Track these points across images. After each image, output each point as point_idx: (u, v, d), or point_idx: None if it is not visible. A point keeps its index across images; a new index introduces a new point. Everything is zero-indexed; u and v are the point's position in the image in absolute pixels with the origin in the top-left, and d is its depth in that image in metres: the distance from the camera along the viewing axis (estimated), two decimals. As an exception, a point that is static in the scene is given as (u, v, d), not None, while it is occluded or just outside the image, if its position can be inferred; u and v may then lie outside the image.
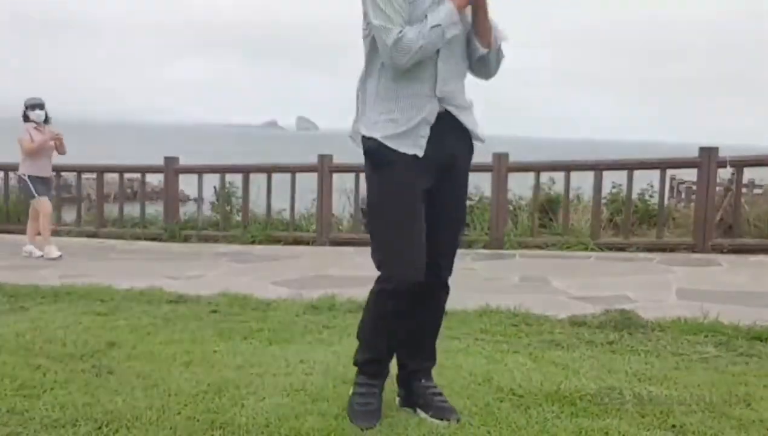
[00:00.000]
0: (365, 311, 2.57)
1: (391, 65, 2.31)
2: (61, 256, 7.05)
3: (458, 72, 2.45)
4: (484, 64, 2.47)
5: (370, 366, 2.53)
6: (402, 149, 2.35)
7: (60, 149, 7.45)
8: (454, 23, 2.29)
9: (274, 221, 8.50)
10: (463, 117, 2.44)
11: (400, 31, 2.26)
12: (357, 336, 2.60)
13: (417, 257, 2.39)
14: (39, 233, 7.35)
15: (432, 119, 2.37)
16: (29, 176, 7.23)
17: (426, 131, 2.36)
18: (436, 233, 2.45)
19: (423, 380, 2.56)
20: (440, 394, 2.55)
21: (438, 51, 2.33)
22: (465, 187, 2.59)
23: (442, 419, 2.44)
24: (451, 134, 2.42)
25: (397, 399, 2.63)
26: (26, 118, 7.34)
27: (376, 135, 2.38)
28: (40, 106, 7.31)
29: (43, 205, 7.26)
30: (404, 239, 2.38)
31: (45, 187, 7.34)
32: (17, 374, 2.96)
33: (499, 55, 2.48)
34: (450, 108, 2.41)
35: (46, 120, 7.40)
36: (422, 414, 2.50)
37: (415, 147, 2.36)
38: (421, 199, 2.40)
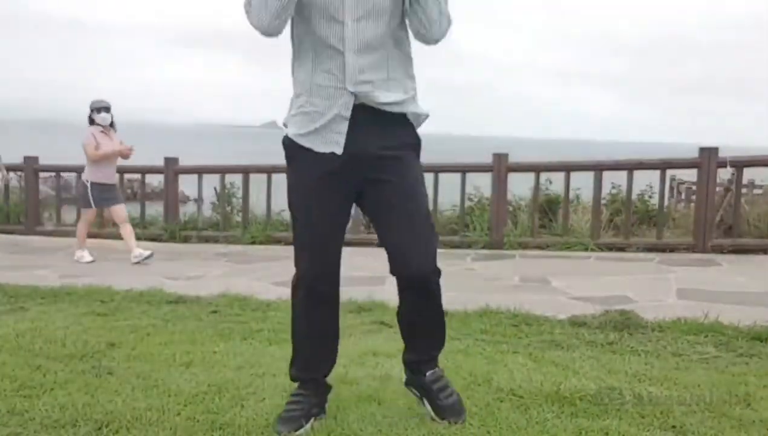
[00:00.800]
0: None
1: (257, 29, 2.17)
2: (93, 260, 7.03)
3: (380, 61, 2.24)
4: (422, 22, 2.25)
5: (295, 372, 2.51)
6: (316, 148, 2.26)
7: (126, 157, 7.30)
8: None
9: (274, 221, 8.50)
10: (387, 108, 2.26)
11: None
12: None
13: (318, 257, 2.44)
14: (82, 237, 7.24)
15: (347, 114, 2.22)
16: (91, 183, 6.99)
17: (342, 127, 2.23)
18: (389, 230, 2.37)
19: (427, 374, 2.47)
20: (445, 387, 2.47)
21: (343, 40, 2.16)
22: (412, 178, 2.34)
23: (443, 420, 2.42)
24: (373, 128, 2.25)
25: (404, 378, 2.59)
26: (92, 121, 7.09)
27: (289, 131, 2.31)
28: (106, 108, 7.07)
29: (116, 212, 7.15)
30: (306, 239, 2.43)
31: (110, 193, 7.10)
32: (17, 374, 2.96)
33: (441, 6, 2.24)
34: (368, 101, 2.23)
35: (112, 123, 7.20)
36: (428, 408, 2.46)
37: (330, 144, 2.25)
38: (335, 199, 2.34)
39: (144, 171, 9.40)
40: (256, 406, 2.61)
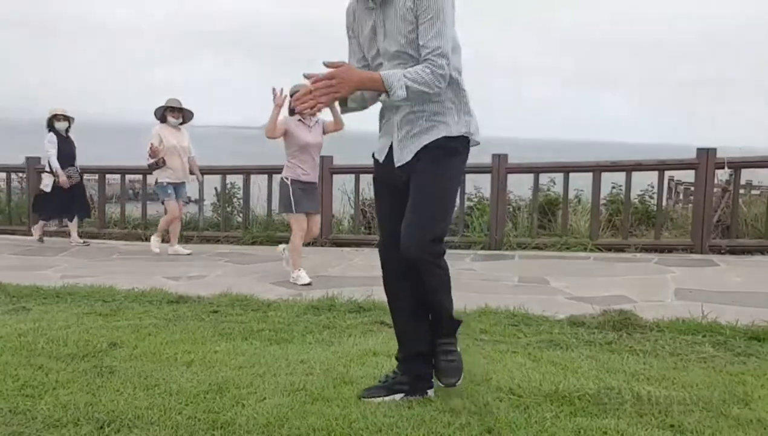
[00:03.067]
0: None
1: None
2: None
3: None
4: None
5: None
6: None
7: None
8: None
9: (274, 221, 8.51)
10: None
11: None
12: None
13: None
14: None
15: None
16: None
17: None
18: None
19: (439, 339, 2.74)
20: (449, 352, 2.70)
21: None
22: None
23: (440, 381, 2.67)
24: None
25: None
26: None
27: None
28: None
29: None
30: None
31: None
32: (19, 373, 2.98)
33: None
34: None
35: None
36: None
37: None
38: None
39: (145, 171, 9.41)
40: (257, 405, 2.62)
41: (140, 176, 9.61)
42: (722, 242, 7.05)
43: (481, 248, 7.42)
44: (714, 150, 7.07)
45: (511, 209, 8.28)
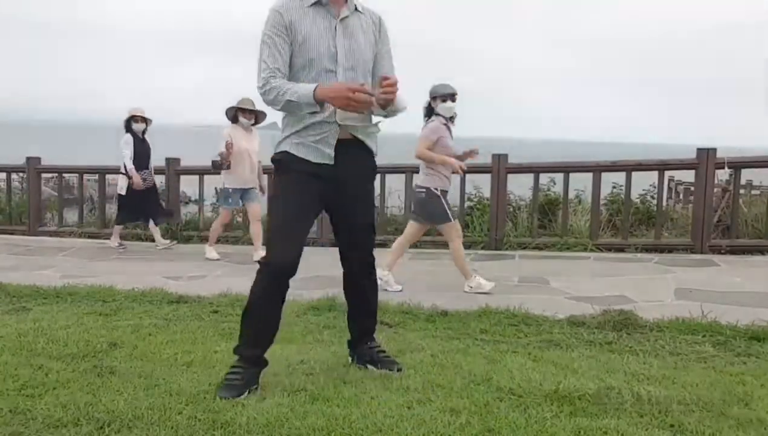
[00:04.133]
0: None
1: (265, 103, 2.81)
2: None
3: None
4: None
5: (241, 351, 2.91)
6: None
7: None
8: (310, 105, 2.69)
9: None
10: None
11: (272, 75, 2.75)
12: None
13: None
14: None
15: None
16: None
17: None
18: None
19: (368, 343, 3.17)
20: (384, 351, 3.18)
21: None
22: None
23: (389, 370, 3.02)
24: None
25: (349, 359, 3.21)
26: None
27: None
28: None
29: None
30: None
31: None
32: (19, 373, 2.98)
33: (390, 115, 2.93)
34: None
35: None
36: (371, 368, 3.08)
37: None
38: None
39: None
40: (257, 405, 2.62)
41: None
42: (722, 242, 7.06)
43: (481, 248, 7.42)
44: (714, 150, 7.07)
45: (511, 209, 8.28)
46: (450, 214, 5.28)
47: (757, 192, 11.43)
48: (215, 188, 7.19)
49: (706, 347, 3.50)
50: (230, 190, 6.90)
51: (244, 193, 6.95)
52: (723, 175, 7.80)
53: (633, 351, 3.45)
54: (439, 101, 5.20)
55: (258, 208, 7.01)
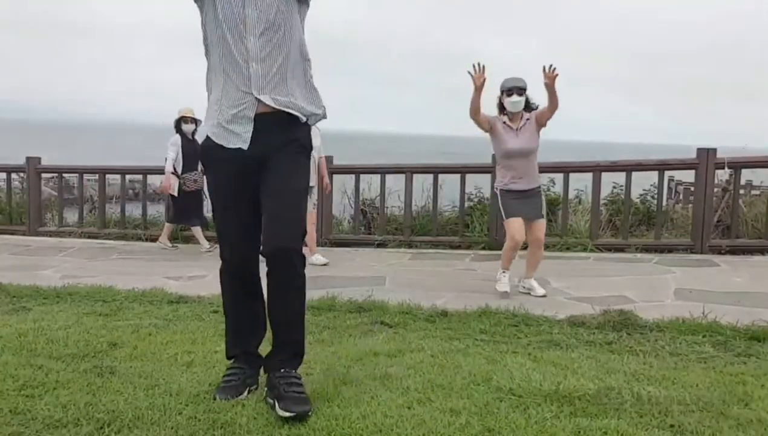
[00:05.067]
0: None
1: None
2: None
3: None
4: None
5: (229, 349, 2.86)
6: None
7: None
8: None
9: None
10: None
11: None
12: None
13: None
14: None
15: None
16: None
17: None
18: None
19: (283, 370, 2.64)
20: (299, 385, 2.58)
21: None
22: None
23: (289, 412, 2.43)
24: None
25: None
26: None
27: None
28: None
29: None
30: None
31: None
32: (19, 373, 2.98)
33: None
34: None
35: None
36: (273, 405, 2.52)
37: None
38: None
39: (146, 172, 9.42)
40: (257, 405, 2.62)
41: (140, 176, 9.62)
42: (722, 242, 7.06)
43: (481, 248, 7.42)
44: (714, 150, 7.08)
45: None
46: (503, 213, 5.07)
47: (757, 192, 11.41)
48: None
49: (706, 347, 3.50)
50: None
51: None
52: (723, 175, 7.80)
53: (633, 351, 3.45)
54: (505, 95, 4.97)
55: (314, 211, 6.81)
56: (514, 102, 4.94)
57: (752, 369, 3.15)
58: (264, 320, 2.83)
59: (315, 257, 6.55)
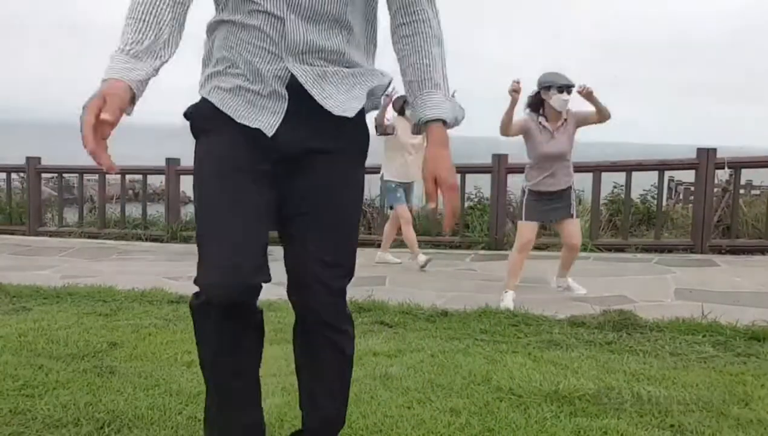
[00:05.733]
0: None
1: None
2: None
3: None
4: None
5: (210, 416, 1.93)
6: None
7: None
8: None
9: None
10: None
11: None
12: None
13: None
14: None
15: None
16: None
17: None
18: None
19: None
20: None
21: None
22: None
23: None
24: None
25: None
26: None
27: None
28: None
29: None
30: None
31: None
32: (19, 373, 2.97)
33: None
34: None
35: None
36: None
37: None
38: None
39: (146, 172, 9.44)
40: (257, 405, 2.62)
41: (140, 176, 9.63)
42: (722, 242, 7.06)
43: (481, 248, 7.42)
44: (714, 150, 7.08)
45: (511, 209, 8.28)
46: (523, 214, 4.80)
47: (757, 192, 11.41)
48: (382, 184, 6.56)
49: (706, 347, 3.50)
50: (393, 184, 6.32)
51: (406, 189, 6.39)
52: (723, 175, 7.80)
53: (633, 351, 3.45)
54: (554, 92, 4.60)
55: (411, 210, 6.53)
56: (565, 100, 4.63)
57: (752, 369, 3.15)
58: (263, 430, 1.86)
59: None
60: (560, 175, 4.72)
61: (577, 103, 4.75)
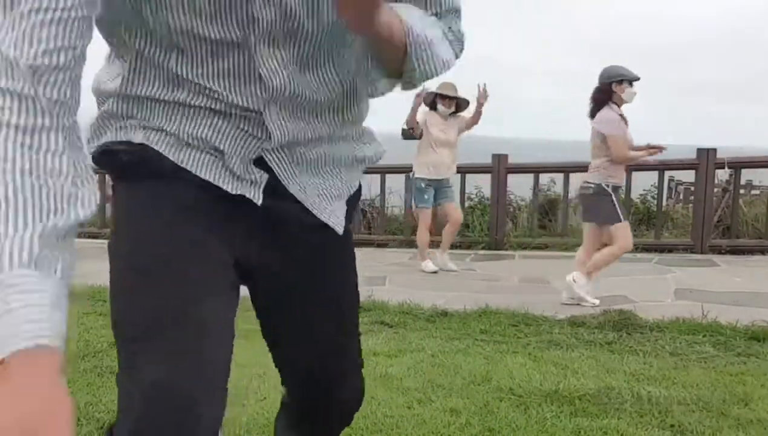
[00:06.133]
0: None
1: None
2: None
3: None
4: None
5: None
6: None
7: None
8: None
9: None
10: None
11: None
12: None
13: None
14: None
15: None
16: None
17: None
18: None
19: None
20: None
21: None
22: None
23: None
24: None
25: None
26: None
27: None
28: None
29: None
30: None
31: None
32: (20, 374, 2.98)
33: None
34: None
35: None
36: None
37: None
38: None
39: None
40: (257, 405, 2.63)
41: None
42: (722, 242, 7.06)
43: (482, 248, 7.42)
44: (714, 150, 7.07)
45: (511, 209, 8.29)
46: (620, 214, 4.59)
47: (757, 192, 11.41)
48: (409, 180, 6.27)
49: (706, 347, 3.50)
50: (423, 184, 6.06)
51: (437, 187, 6.14)
52: (723, 175, 7.80)
53: (633, 351, 3.45)
54: (626, 85, 4.48)
55: (454, 208, 6.32)
56: (635, 93, 4.60)
57: (752, 369, 3.15)
58: None
59: (425, 263, 6.16)
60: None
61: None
